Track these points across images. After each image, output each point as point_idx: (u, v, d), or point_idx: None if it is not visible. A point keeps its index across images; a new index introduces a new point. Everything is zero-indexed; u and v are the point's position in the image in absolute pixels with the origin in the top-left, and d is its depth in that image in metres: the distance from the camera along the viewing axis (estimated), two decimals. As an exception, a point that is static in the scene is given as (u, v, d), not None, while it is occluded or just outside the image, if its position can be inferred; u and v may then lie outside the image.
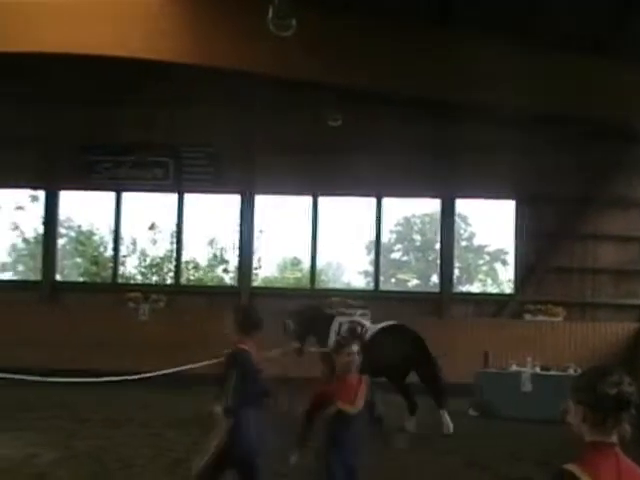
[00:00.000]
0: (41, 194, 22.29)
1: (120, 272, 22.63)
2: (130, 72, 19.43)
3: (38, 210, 22.42)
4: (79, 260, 23.94)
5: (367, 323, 15.35)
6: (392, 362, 13.97)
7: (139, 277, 23.06)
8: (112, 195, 22.06)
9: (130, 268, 23.15)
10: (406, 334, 14.69)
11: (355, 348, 6.67)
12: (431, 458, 11.76)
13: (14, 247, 23.82)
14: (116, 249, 22.42)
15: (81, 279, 23.29)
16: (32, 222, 22.82)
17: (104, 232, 23.11)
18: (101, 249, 23.52)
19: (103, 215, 22.51)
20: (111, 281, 22.35)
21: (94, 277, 23.23)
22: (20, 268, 24.28)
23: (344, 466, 6.46)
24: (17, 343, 19.10)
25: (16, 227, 23.01)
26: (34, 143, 21.36)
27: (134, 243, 22.99)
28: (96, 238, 23.63)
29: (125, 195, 22.09)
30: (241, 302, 19.01)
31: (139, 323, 20.66)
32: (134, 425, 13.63)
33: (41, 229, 22.52)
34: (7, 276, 23.65)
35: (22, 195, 22.57)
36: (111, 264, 22.65)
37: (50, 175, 21.65)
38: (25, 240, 23.61)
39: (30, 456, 10.89)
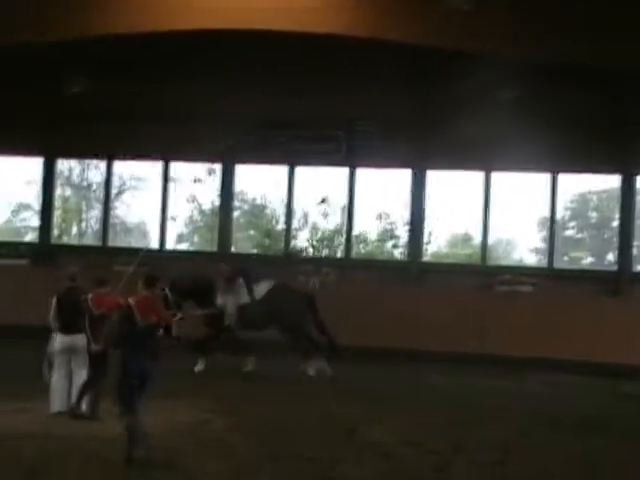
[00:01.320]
0: (218, 167, 22.90)
1: (292, 245, 23.00)
2: (303, 47, 19.63)
3: (215, 183, 23.07)
4: (252, 233, 24.52)
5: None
6: (286, 314, 15.95)
7: (310, 250, 23.38)
8: (285, 169, 22.43)
9: (301, 241, 23.49)
10: (296, 291, 16.75)
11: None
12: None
13: (191, 219, 24.59)
14: (288, 222, 22.79)
15: (254, 251, 23.84)
16: (209, 195, 23.48)
17: (277, 205, 23.54)
18: (273, 222, 23.98)
19: (276, 189, 22.92)
20: (283, 254, 22.74)
21: (267, 250, 23.72)
22: (196, 239, 25.06)
23: (139, 367, 8.83)
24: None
25: (193, 199, 23.74)
26: (213, 118, 21.92)
27: (305, 217, 23.32)
28: (269, 211, 24.10)
29: (298, 169, 22.40)
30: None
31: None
32: (304, 396, 13.85)
33: (217, 202, 23.14)
34: (184, 246, 24.47)
35: (200, 168, 23.24)
36: (283, 237, 23.07)
37: (227, 149, 22.19)
38: (202, 212, 24.34)
39: (204, 422, 11.28)
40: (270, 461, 9.22)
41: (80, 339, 11.22)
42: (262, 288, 16.61)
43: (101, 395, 11.13)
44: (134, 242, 24.15)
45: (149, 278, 9.50)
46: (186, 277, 16.40)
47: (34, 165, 23.81)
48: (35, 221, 24.36)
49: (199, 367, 16.05)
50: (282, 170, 22.45)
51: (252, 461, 9.18)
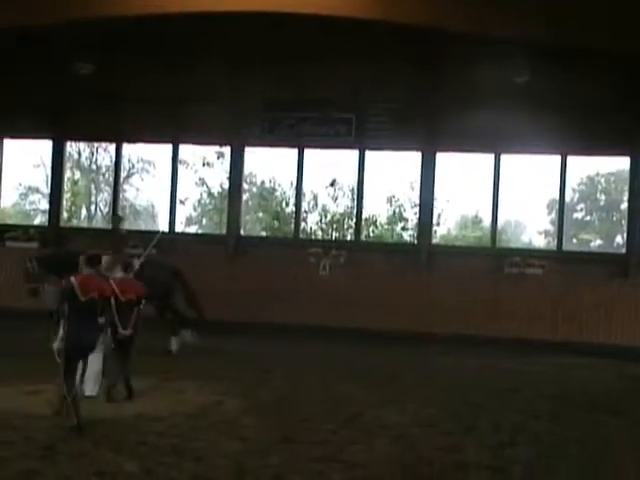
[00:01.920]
0: (227, 150, 22.89)
1: (301, 228, 23.02)
2: (312, 29, 19.60)
3: (224, 166, 23.07)
4: (262, 215, 24.55)
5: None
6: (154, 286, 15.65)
7: (319, 233, 23.41)
8: (294, 151, 22.40)
9: (311, 224, 23.52)
10: (165, 266, 16.97)
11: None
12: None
13: (200, 202, 24.63)
14: (298, 205, 22.80)
15: (264, 234, 23.88)
16: (218, 178, 23.50)
17: (286, 188, 23.56)
18: (283, 205, 24.00)
19: (285, 171, 22.91)
20: (292, 236, 22.77)
21: (276, 232, 23.75)
22: (205, 222, 25.11)
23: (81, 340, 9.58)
24: (201, 295, 19.78)
25: (203, 182, 23.76)
26: (221, 101, 21.90)
27: (315, 199, 23.33)
28: (278, 194, 24.12)
29: (307, 151, 22.37)
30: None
31: (320, 278, 21.07)
32: (314, 378, 13.90)
33: (226, 185, 23.14)
34: (193, 229, 24.53)
35: (209, 151, 23.24)
36: (293, 220, 23.10)
37: (236, 132, 22.17)
38: (211, 195, 24.37)
39: (216, 403, 11.34)
40: (280, 443, 9.25)
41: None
42: (135, 263, 16.85)
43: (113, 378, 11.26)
44: (143, 225, 24.20)
45: (91, 257, 10.19)
46: (52, 251, 16.40)
47: (43, 148, 23.84)
48: (44, 204, 24.40)
49: None
50: (291, 152, 22.43)
51: (262, 443, 9.22)
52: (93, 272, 10.16)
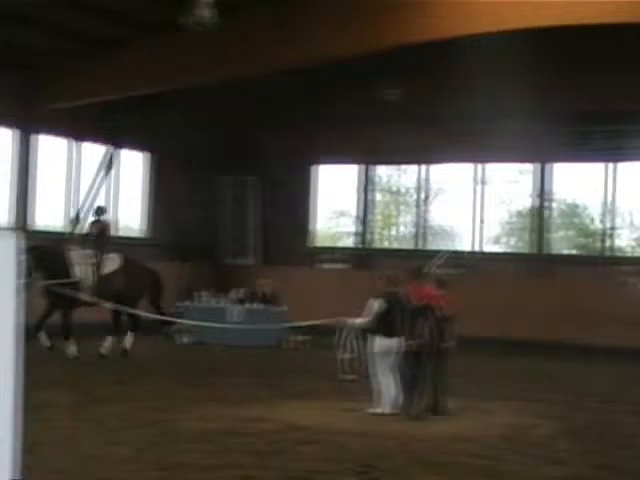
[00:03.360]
0: (529, 167, 22.50)
1: (609, 245, 22.04)
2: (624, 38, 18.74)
3: (528, 183, 22.69)
4: (567, 232, 23.82)
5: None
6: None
7: (632, 250, 22.32)
8: (602, 166, 21.54)
9: (623, 241, 22.45)
10: (140, 267, 17.39)
11: None
12: None
13: (506, 220, 24.34)
14: (607, 221, 21.84)
15: (569, 251, 23.17)
16: (522, 195, 23.13)
17: (594, 204, 22.64)
18: (589, 221, 23.14)
19: (594, 187, 22.06)
20: (600, 254, 21.86)
21: (582, 250, 22.97)
22: (511, 241, 24.76)
23: None
24: (506, 314, 19.55)
25: (506, 201, 23.49)
26: (527, 116, 21.43)
27: (629, 216, 22.21)
28: (585, 211, 23.27)
29: (619, 166, 21.38)
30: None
31: (631, 297, 20.08)
32: (629, 402, 13.20)
33: (530, 202, 22.72)
34: (498, 248, 24.24)
35: (512, 169, 22.97)
36: (601, 237, 22.19)
37: (539, 148, 21.69)
38: (515, 213, 24.03)
39: (528, 425, 11.05)
40: (601, 470, 8.80)
41: (397, 342, 11.44)
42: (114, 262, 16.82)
43: (427, 394, 11.31)
44: (447, 245, 24.33)
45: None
46: (37, 249, 16.13)
47: (351, 172, 24.74)
48: (351, 226, 25.22)
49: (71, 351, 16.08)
50: (599, 167, 21.57)
51: (583, 469, 8.82)
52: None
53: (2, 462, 3.04)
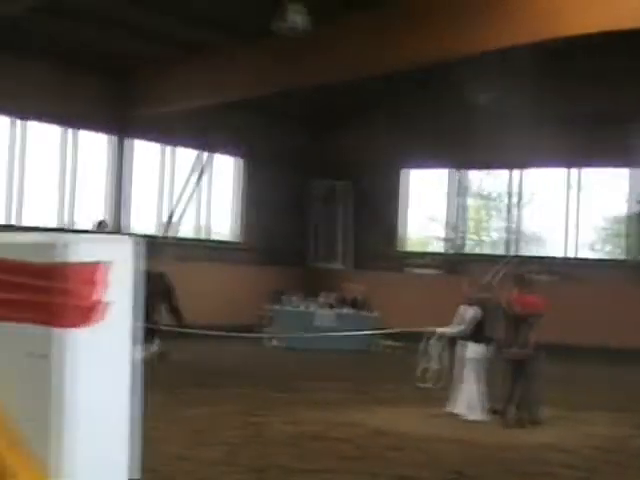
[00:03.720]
0: (626, 172, 22.02)
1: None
2: None
3: (624, 188, 22.19)
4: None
5: None
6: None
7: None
8: None
9: None
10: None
11: None
12: None
13: (602, 226, 23.84)
14: None
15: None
16: (618, 201, 22.63)
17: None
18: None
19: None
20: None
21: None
22: (607, 247, 24.23)
23: None
24: (604, 322, 19.18)
25: (602, 206, 23.02)
26: (619, 123, 20.95)
27: None
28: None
29: None
30: None
31: None
32: None
33: (626, 208, 22.23)
34: (594, 254, 23.71)
35: (607, 174, 22.50)
36: None
37: (636, 153, 21.13)
38: (613, 219, 23.54)
39: (629, 437, 10.73)
40: None
41: (489, 349, 11.27)
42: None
43: (525, 403, 11.09)
44: (538, 250, 23.95)
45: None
46: None
47: (442, 176, 24.58)
48: (442, 231, 25.02)
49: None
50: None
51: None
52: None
53: (121, 462, 3.06)
